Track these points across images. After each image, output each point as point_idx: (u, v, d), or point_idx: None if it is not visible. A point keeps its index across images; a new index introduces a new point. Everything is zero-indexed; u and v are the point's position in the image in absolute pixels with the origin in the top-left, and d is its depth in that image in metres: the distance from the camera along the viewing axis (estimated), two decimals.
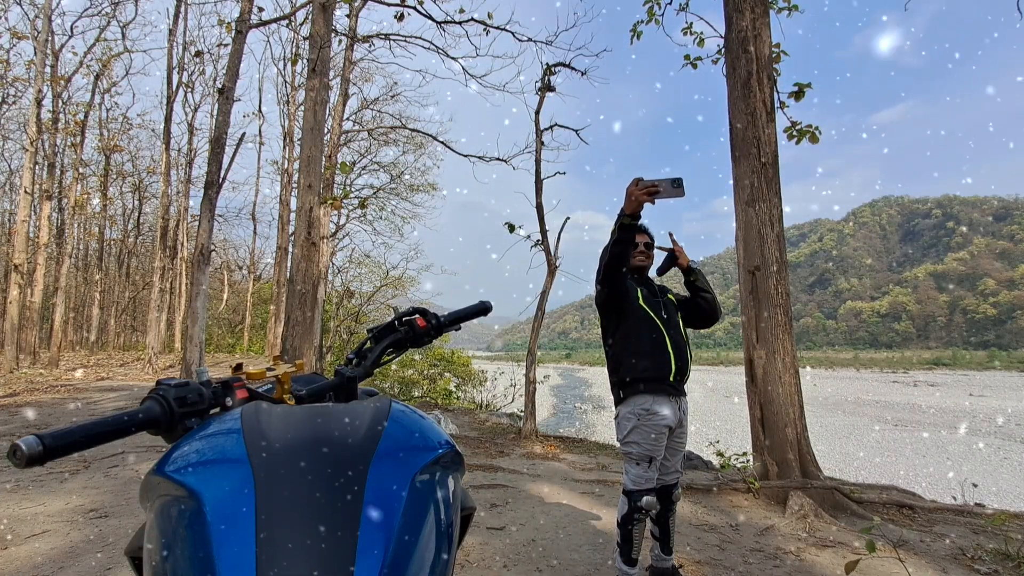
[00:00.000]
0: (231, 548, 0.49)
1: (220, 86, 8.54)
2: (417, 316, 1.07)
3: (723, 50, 5.26)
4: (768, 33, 4.81)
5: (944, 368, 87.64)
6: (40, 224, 14.29)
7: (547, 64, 7.80)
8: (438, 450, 0.66)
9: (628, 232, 2.21)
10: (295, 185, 11.10)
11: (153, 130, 24.24)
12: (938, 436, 21.26)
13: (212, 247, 8.99)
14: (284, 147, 20.14)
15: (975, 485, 6.13)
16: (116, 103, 42.11)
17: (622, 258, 2.29)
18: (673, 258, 2.64)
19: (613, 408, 2.55)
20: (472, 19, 9.19)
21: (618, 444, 2.50)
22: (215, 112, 10.98)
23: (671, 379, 2.39)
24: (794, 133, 5.74)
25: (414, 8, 8.82)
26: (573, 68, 7.94)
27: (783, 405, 4.19)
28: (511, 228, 7.43)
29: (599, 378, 61.40)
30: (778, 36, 6.85)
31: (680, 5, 6.87)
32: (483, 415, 9.87)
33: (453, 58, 10.33)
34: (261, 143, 24.85)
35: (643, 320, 2.46)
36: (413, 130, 14.85)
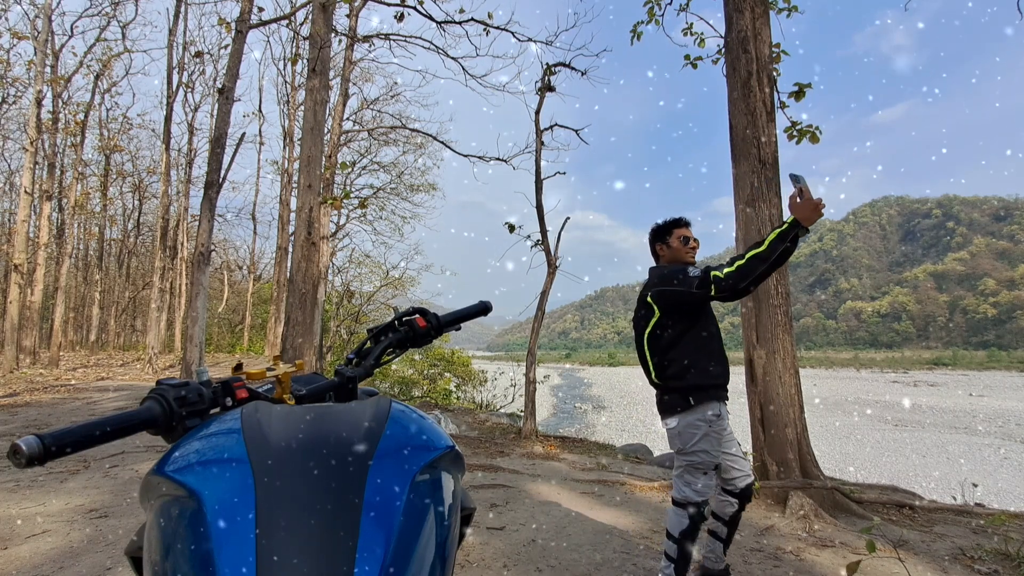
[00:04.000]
0: (231, 548, 0.49)
1: (220, 86, 8.54)
2: (417, 316, 1.07)
3: (723, 50, 5.26)
4: (768, 33, 4.81)
5: (944, 368, 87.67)
6: (40, 224, 14.30)
7: (547, 64, 7.81)
8: (438, 450, 0.66)
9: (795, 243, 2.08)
10: (295, 185, 11.10)
11: (153, 130, 24.28)
12: (938, 436, 21.25)
13: (212, 247, 8.99)
14: (284, 147, 20.16)
15: (975, 485, 6.14)
16: (116, 103, 42.20)
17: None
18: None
19: (661, 417, 2.39)
20: (472, 19, 9.19)
21: (679, 454, 2.34)
22: (215, 112, 10.99)
23: (727, 383, 2.36)
24: (794, 133, 5.74)
25: (414, 8, 8.81)
26: (573, 68, 7.95)
27: (783, 405, 4.19)
28: (511, 228, 7.43)
29: (599, 378, 61.39)
30: (778, 36, 6.85)
31: (680, 5, 6.87)
32: (483, 415, 9.87)
33: (453, 58, 10.33)
34: (261, 143, 24.89)
35: (712, 323, 2.36)
36: (413, 130, 14.87)
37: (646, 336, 2.39)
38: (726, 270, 2.09)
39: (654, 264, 2.61)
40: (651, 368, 2.39)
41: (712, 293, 2.13)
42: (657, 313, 2.34)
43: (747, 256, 2.08)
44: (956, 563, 3.04)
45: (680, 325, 2.32)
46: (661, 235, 2.54)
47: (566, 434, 8.86)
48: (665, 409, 2.36)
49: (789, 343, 4.34)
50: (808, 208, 2.00)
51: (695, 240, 2.48)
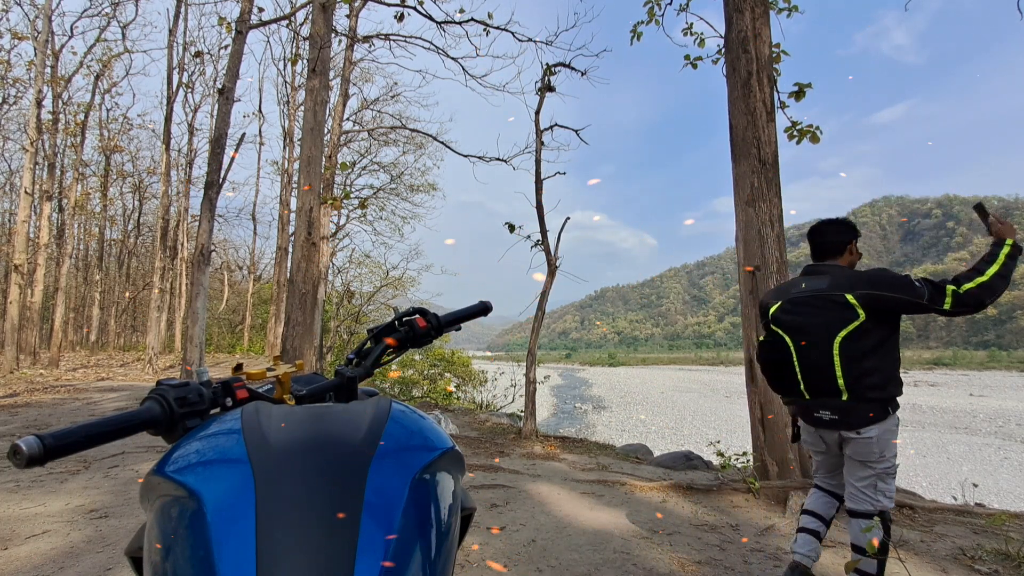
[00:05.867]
0: (231, 548, 0.49)
1: (220, 86, 8.55)
2: (417, 316, 1.07)
3: (723, 50, 5.26)
4: (768, 33, 4.81)
5: (944, 368, 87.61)
6: (40, 224, 14.30)
7: (547, 64, 7.80)
8: (438, 450, 0.66)
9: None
10: (295, 185, 11.10)
11: (153, 130, 24.32)
12: (938, 436, 21.25)
13: (212, 247, 9.00)
14: (284, 147, 20.17)
15: (975, 485, 6.15)
16: (116, 103, 42.20)
17: None
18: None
19: (849, 427, 2.25)
20: (472, 19, 9.20)
21: (868, 463, 2.22)
22: (215, 112, 11.00)
23: None
24: (794, 133, 5.75)
25: (414, 8, 8.82)
26: (573, 68, 7.94)
27: (783, 405, 4.19)
28: (511, 228, 7.43)
29: (599, 378, 61.38)
30: (778, 36, 6.86)
31: (680, 5, 6.88)
32: (483, 415, 9.87)
33: (453, 58, 10.35)
34: (261, 143, 24.90)
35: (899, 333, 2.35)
36: (413, 130, 14.89)
37: (839, 339, 2.16)
38: (966, 286, 2.02)
39: (816, 262, 2.48)
40: (839, 374, 2.16)
41: (946, 307, 2.05)
42: (862, 316, 2.14)
43: (989, 273, 2.02)
44: (956, 563, 3.04)
45: (881, 332, 2.17)
46: (855, 233, 2.48)
47: (566, 434, 8.85)
48: (858, 420, 2.19)
49: None
50: (1013, 229, 2.09)
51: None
